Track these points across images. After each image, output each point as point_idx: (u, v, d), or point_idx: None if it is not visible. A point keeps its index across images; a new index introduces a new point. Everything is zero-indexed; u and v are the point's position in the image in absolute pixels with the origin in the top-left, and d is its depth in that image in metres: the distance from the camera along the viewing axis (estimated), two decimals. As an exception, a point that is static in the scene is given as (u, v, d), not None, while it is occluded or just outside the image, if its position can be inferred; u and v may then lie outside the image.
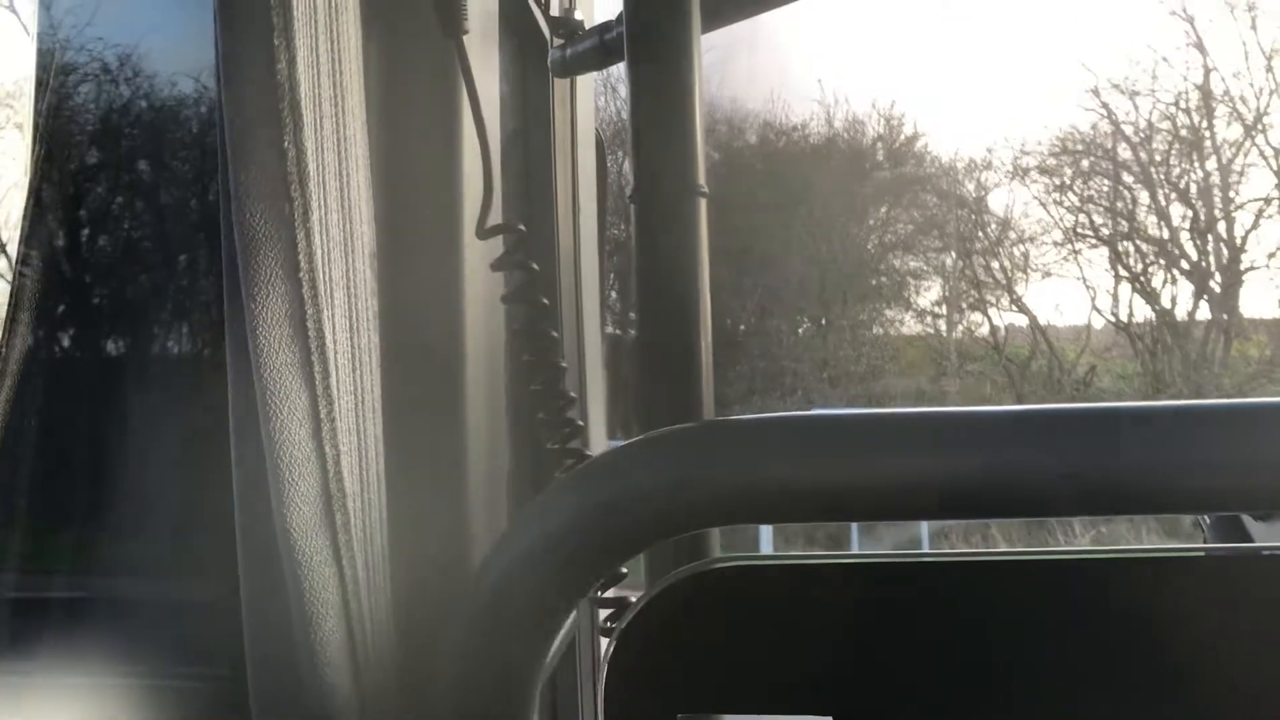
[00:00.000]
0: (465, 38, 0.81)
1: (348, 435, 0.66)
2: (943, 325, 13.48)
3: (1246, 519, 1.32)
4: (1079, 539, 9.08)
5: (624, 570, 0.96)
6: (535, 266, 0.89)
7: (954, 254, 13.34)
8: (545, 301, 0.90)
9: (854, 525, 9.06)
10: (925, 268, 13.54)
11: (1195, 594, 0.70)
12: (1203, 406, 0.68)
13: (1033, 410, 0.69)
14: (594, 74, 1.61)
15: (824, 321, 13.36)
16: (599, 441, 1.54)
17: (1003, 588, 0.71)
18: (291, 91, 0.60)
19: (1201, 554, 0.72)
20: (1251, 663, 0.69)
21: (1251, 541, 1.28)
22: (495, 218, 0.85)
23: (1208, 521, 1.41)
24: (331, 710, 0.61)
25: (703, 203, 0.95)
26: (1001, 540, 8.93)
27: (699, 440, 0.71)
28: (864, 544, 9.08)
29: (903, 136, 13.59)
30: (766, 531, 8.34)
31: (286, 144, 0.59)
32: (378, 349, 0.72)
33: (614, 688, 0.72)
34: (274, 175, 0.59)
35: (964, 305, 13.39)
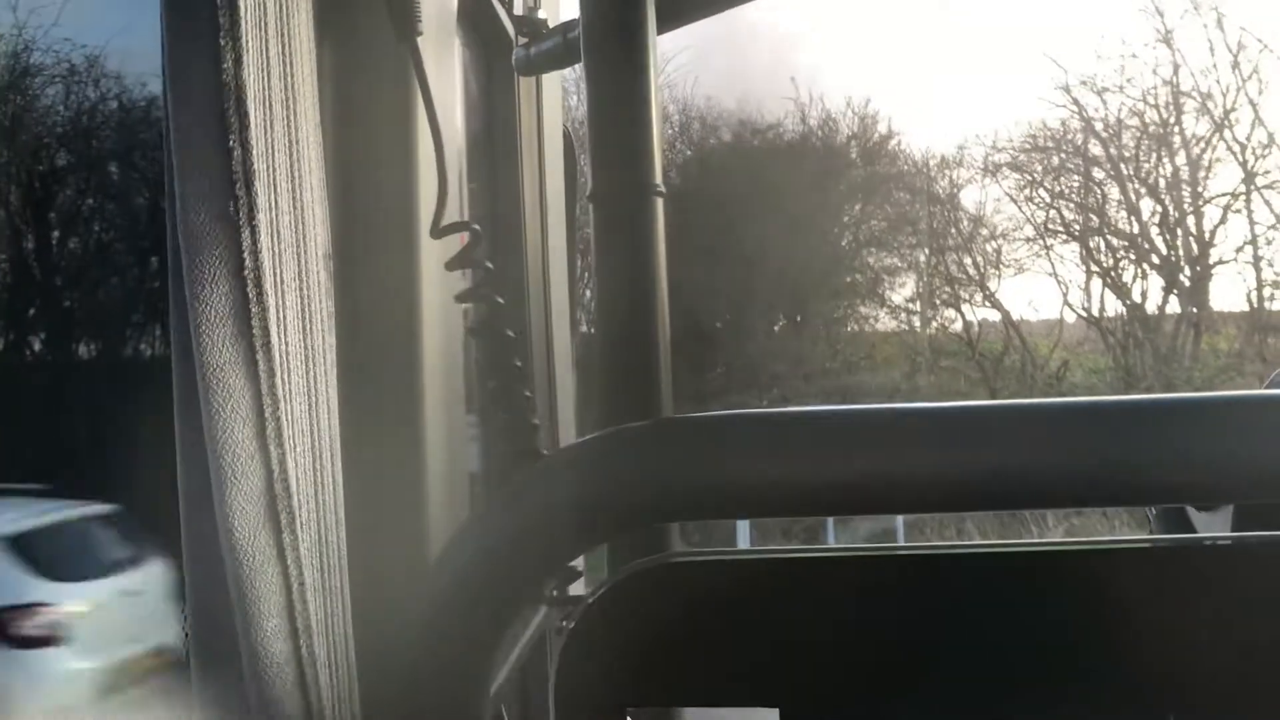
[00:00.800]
0: (421, 39, 0.81)
1: (302, 435, 0.66)
2: (917, 321, 13.56)
3: (1191, 511, 1.34)
4: (1051, 531, 9.15)
5: (580, 569, 0.97)
6: (489, 265, 0.89)
7: (927, 250, 13.42)
8: (500, 300, 0.90)
9: (829, 520, 9.09)
10: (899, 264, 13.61)
11: (1142, 582, 0.71)
12: (1146, 401, 0.69)
13: (982, 406, 0.70)
14: (562, 73, 1.61)
15: (799, 318, 13.40)
16: (568, 440, 1.54)
17: (951, 580, 0.72)
18: (237, 92, 0.60)
19: (1148, 545, 0.73)
20: (1194, 647, 0.70)
21: (1195, 532, 1.30)
22: (454, 217, 0.85)
23: (1154, 513, 1.44)
24: (275, 712, 0.61)
25: (660, 202, 0.95)
26: (976, 535, 8.98)
27: (655, 437, 0.72)
28: (839, 539, 9.10)
29: (877, 135, 13.65)
30: (743, 527, 8.34)
31: (232, 143, 0.59)
32: (333, 349, 0.72)
33: (564, 684, 0.72)
34: (218, 174, 0.59)
35: (938, 301, 13.47)
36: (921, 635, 0.72)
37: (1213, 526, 1.26)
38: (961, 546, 0.73)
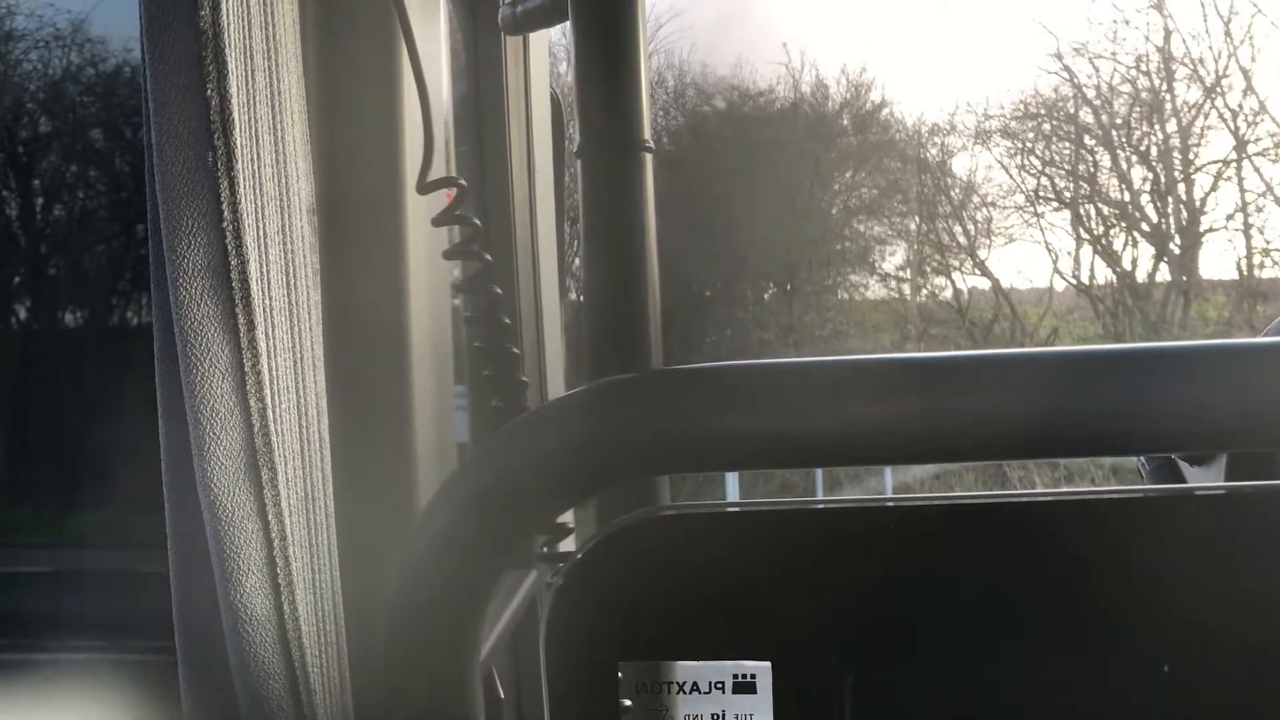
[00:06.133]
0: None
1: (286, 391, 0.65)
2: (907, 289, 13.56)
3: (1182, 463, 1.35)
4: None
5: (569, 526, 0.96)
6: (478, 222, 0.88)
7: (918, 218, 13.40)
8: (488, 257, 0.90)
9: (819, 476, 9.11)
10: (889, 232, 13.59)
11: (1134, 532, 0.71)
12: (1137, 350, 0.69)
13: (972, 356, 0.69)
14: (549, 33, 1.59)
15: (789, 287, 13.39)
16: None
17: (942, 532, 0.72)
18: (215, 39, 0.59)
19: (1140, 494, 0.73)
20: (1188, 597, 0.70)
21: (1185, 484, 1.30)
22: (439, 173, 0.84)
23: (1147, 467, 1.44)
24: (255, 669, 0.61)
25: (648, 158, 0.94)
26: (960, 489, 9.00)
27: (643, 389, 0.72)
28: (828, 494, 9.12)
29: (869, 103, 13.58)
30: (732, 482, 8.33)
31: (209, 91, 0.58)
32: (319, 306, 0.71)
33: (553, 639, 0.72)
34: (196, 123, 0.58)
35: (928, 269, 13.47)
36: (913, 587, 0.72)
37: (1206, 480, 1.26)
38: (952, 498, 0.73)
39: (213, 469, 0.59)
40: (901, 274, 13.63)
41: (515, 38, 1.42)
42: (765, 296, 13.58)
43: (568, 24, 1.02)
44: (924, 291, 13.59)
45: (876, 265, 13.66)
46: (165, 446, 0.64)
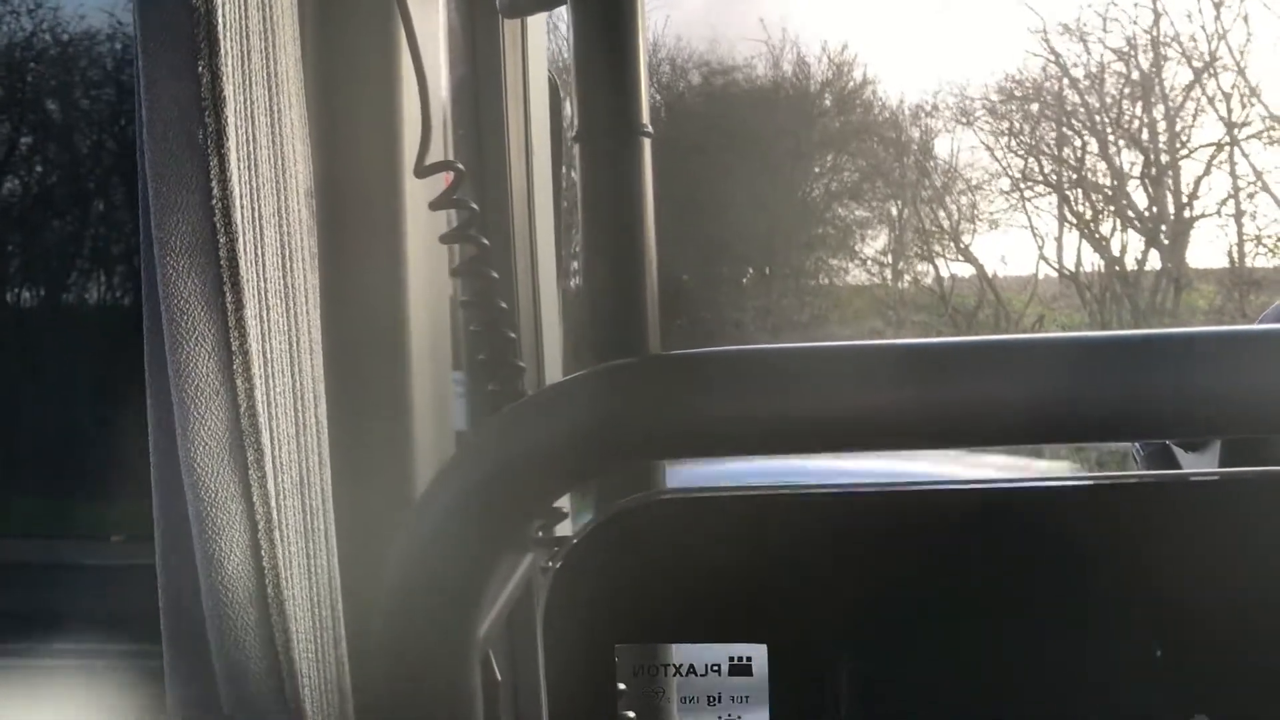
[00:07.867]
0: None
1: (281, 374, 0.65)
2: (889, 274, 13.59)
3: (1177, 450, 1.36)
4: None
5: (565, 510, 0.96)
6: (475, 206, 0.88)
7: (900, 202, 13.41)
8: (485, 241, 0.89)
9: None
10: (871, 216, 13.59)
11: (1129, 518, 0.72)
12: (1130, 336, 0.69)
13: (971, 342, 0.69)
14: (546, 16, 1.58)
15: (768, 271, 13.38)
16: None
17: (941, 517, 0.72)
18: (208, 17, 0.58)
19: (1134, 480, 0.74)
20: (1182, 582, 0.71)
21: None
22: (437, 157, 0.84)
23: (1142, 453, 1.46)
24: (236, 654, 0.60)
25: (647, 143, 0.94)
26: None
27: (642, 373, 0.72)
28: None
29: (851, 82, 13.55)
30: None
31: (200, 68, 0.57)
32: (316, 289, 0.71)
33: (551, 621, 0.72)
34: (186, 101, 0.57)
35: (910, 254, 13.49)
36: (910, 571, 0.72)
37: (1200, 467, 1.27)
38: (951, 482, 0.73)
39: (196, 449, 0.58)
40: (883, 259, 13.65)
41: (513, 21, 1.41)
42: (743, 281, 13.57)
43: (566, 7, 1.02)
44: (906, 277, 13.62)
45: (858, 250, 13.67)
46: (153, 427, 0.63)
